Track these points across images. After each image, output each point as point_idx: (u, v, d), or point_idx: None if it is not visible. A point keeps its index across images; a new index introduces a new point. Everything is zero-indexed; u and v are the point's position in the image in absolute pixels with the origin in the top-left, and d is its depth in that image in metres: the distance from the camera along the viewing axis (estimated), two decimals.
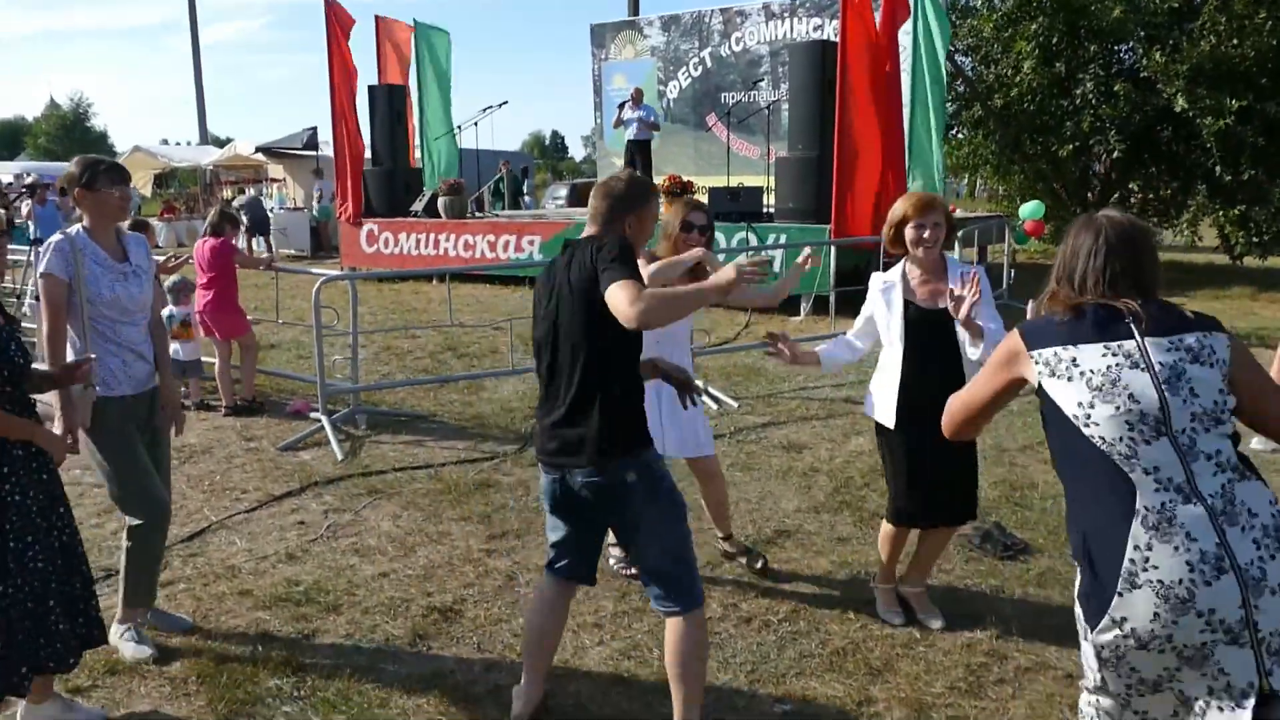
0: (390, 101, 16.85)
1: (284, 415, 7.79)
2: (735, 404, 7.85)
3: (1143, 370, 2.22)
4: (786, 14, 18.01)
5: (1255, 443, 6.28)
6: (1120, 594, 2.18)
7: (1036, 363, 2.34)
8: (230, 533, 5.35)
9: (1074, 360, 2.28)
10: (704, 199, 11.13)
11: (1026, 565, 4.77)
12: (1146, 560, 2.15)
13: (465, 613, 4.36)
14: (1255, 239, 15.31)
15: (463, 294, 14.18)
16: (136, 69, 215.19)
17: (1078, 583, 2.33)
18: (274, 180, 28.02)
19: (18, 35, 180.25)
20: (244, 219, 20.46)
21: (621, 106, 15.78)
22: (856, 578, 4.68)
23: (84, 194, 3.78)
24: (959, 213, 17.41)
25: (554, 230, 14.88)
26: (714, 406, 6.64)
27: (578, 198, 24.05)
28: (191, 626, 4.20)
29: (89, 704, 3.59)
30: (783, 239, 12.34)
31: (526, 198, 25.99)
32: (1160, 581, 2.13)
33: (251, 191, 24.27)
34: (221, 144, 36.49)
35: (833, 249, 11.49)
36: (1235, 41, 13.93)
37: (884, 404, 4.04)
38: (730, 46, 18.90)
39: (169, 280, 7.99)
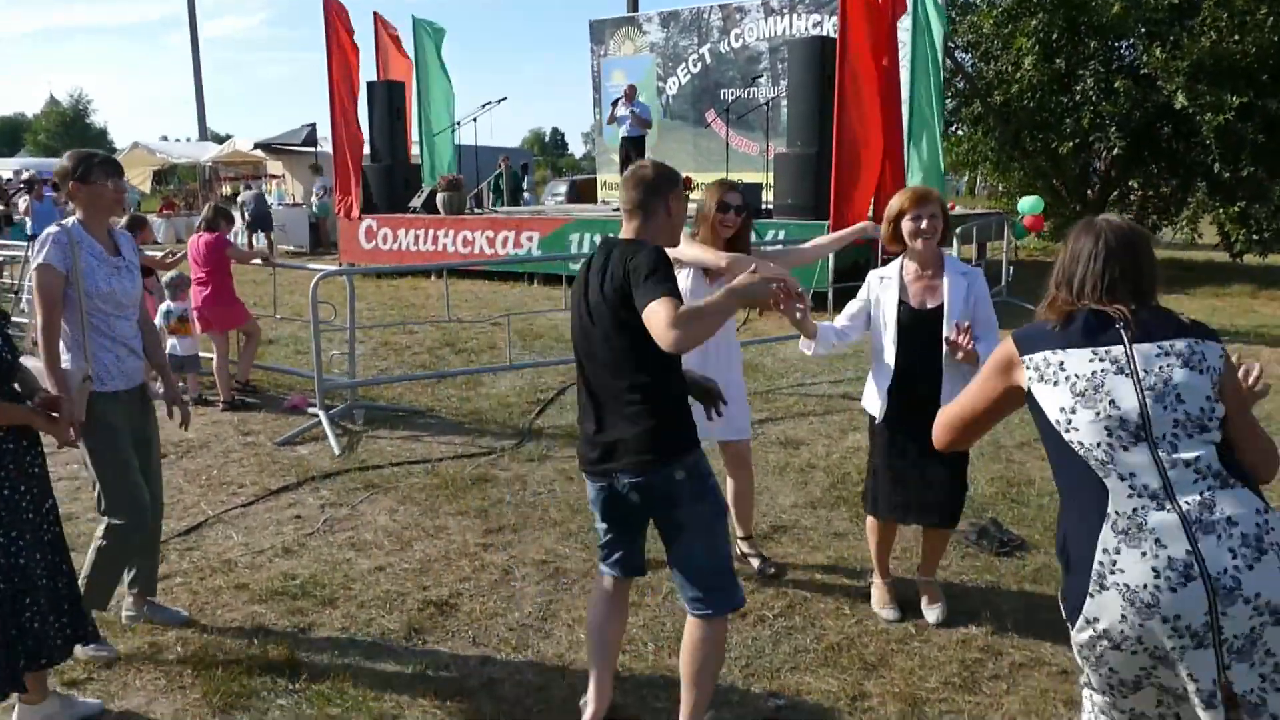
0: (389, 98, 16.85)
1: (281, 410, 7.79)
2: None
3: (1127, 376, 2.21)
4: (786, 10, 17.99)
5: None
6: (1091, 595, 2.20)
7: (1028, 368, 2.34)
8: (227, 527, 5.35)
9: (1061, 364, 2.28)
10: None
11: (1022, 561, 4.77)
12: (1114, 564, 2.17)
13: (461, 607, 4.36)
14: (1255, 236, 15.30)
15: (461, 290, 14.19)
16: (136, 66, 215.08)
17: (1060, 581, 2.34)
18: (273, 176, 28.00)
19: (18, 32, 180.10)
20: (246, 214, 20.50)
21: (615, 103, 15.77)
22: (852, 573, 4.68)
23: (78, 187, 3.75)
24: (958, 210, 17.42)
25: (552, 226, 14.88)
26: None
27: (577, 194, 24.05)
28: (187, 620, 4.20)
29: (85, 697, 3.59)
30: (781, 235, 12.34)
31: (527, 194, 25.98)
32: (1126, 585, 2.15)
33: (255, 187, 24.20)
34: (221, 140, 36.48)
35: None
36: (1236, 38, 13.90)
37: (874, 396, 4.11)
38: (729, 43, 18.88)
39: (167, 276, 8.00)
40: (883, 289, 4.06)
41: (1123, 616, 2.16)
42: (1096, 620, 2.20)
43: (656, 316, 2.74)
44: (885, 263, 4.22)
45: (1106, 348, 2.25)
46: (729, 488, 4.73)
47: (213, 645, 4.00)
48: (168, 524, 5.23)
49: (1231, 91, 13.80)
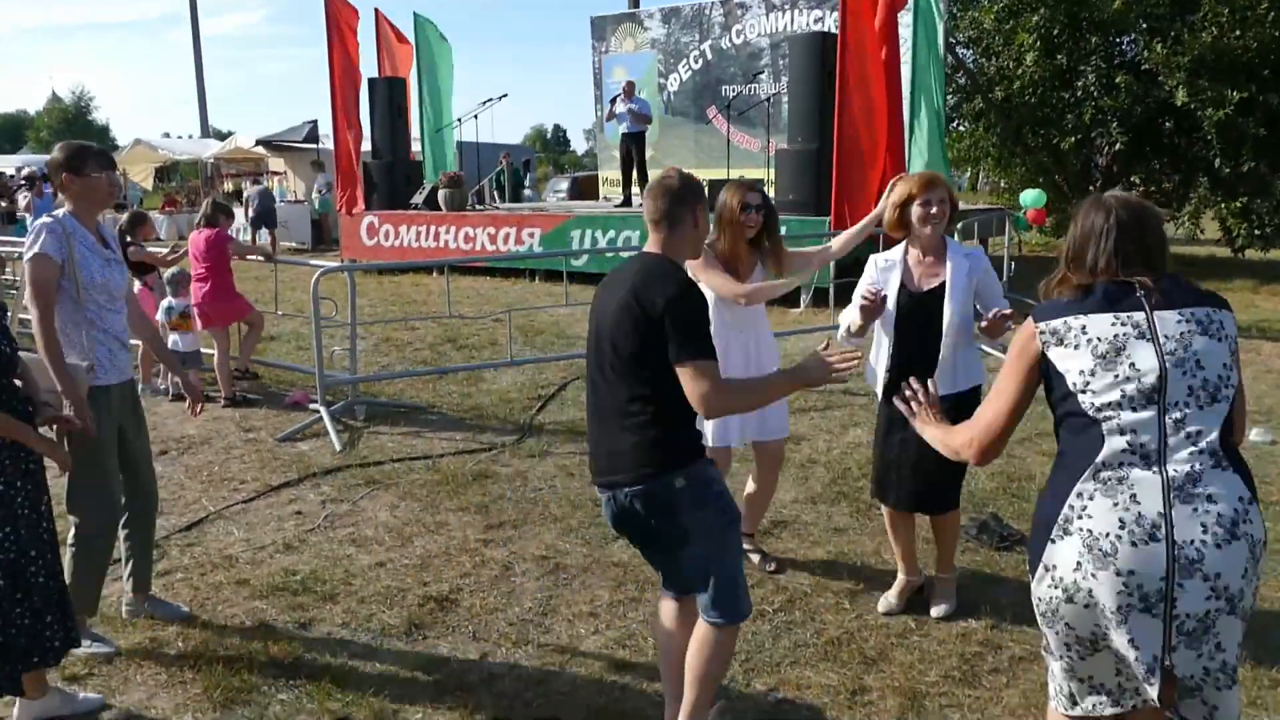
0: (390, 95, 16.84)
1: (283, 406, 7.79)
2: None
3: (1148, 341, 2.22)
4: (787, 6, 17.96)
5: (1254, 434, 6.29)
6: (1053, 540, 2.25)
7: (1042, 334, 2.33)
8: (228, 523, 5.36)
9: (1083, 328, 2.27)
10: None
11: (1022, 556, 4.76)
12: (1084, 509, 2.21)
13: (461, 602, 4.37)
14: (1257, 231, 15.29)
15: (462, 286, 14.20)
16: (138, 63, 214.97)
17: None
18: (274, 173, 28.00)
19: (20, 28, 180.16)
20: (251, 210, 20.50)
21: (614, 100, 15.74)
22: (852, 568, 4.69)
23: (71, 179, 3.70)
24: (959, 205, 17.40)
25: (554, 223, 14.88)
26: None
27: (579, 190, 24.06)
28: (188, 615, 4.21)
29: (86, 692, 3.60)
30: (783, 231, 12.29)
31: (528, 190, 25.96)
32: (1089, 531, 2.19)
33: (261, 183, 24.20)
34: (223, 137, 36.48)
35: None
36: (1237, 33, 13.88)
37: (875, 375, 4.15)
38: (731, 39, 18.84)
39: (168, 272, 8.01)
40: (885, 273, 4.05)
41: (1078, 564, 2.20)
42: (1054, 567, 2.25)
43: (697, 379, 2.79)
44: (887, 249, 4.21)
45: (1129, 313, 2.26)
46: (750, 486, 4.73)
47: (213, 640, 4.00)
48: (169, 520, 5.26)
49: (1232, 86, 13.78)
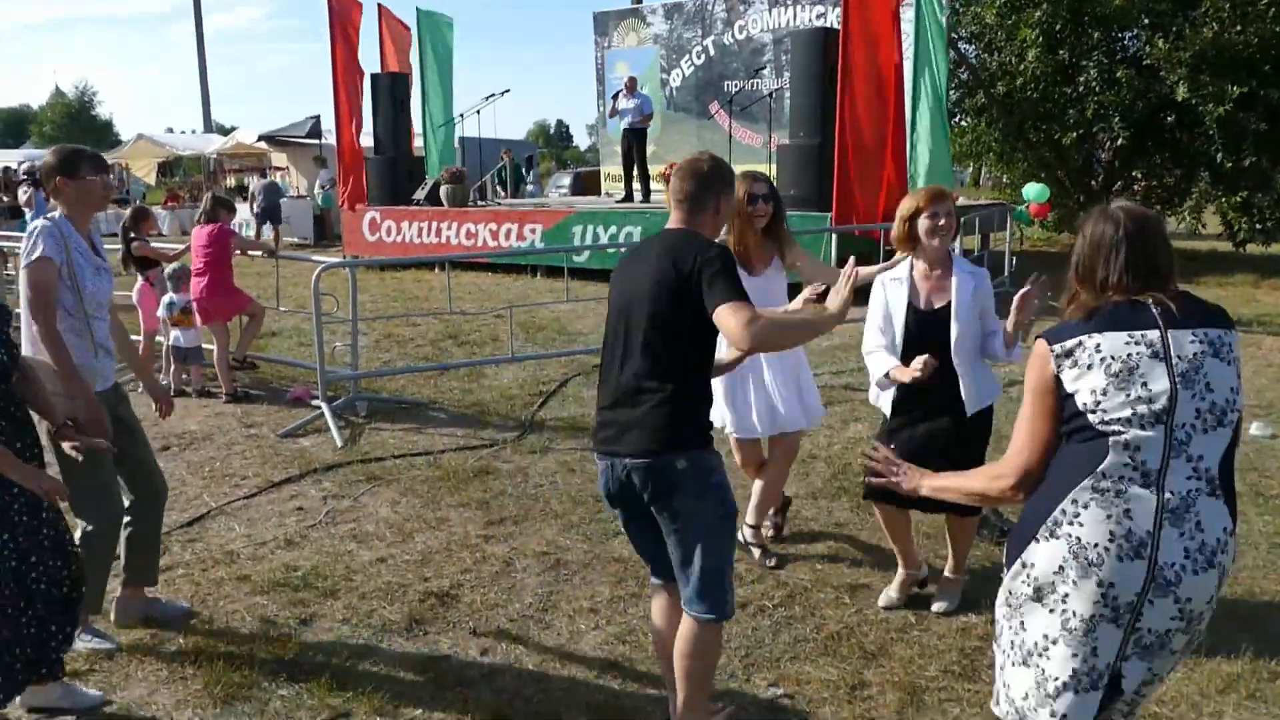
0: (393, 90, 16.83)
1: (284, 402, 7.80)
2: None
3: (1161, 360, 2.21)
4: (790, 1, 17.93)
5: (1254, 428, 6.29)
6: (1037, 539, 2.28)
7: (1055, 355, 2.29)
8: (229, 518, 5.37)
9: (1097, 347, 2.25)
10: None
11: None
12: (1076, 515, 2.23)
13: (462, 598, 4.38)
14: (1258, 226, 15.27)
15: (464, 282, 14.20)
16: (141, 58, 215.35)
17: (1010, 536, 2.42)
18: (277, 169, 28.02)
19: (23, 24, 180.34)
20: (256, 205, 20.49)
21: (615, 96, 15.72)
22: (852, 563, 4.69)
23: (66, 183, 3.65)
24: (962, 200, 17.38)
25: (555, 219, 14.87)
26: None
27: (581, 186, 24.06)
28: (189, 611, 4.22)
29: (88, 688, 3.61)
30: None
31: (531, 186, 25.94)
32: (1077, 539, 2.22)
33: (268, 178, 24.18)
34: (225, 133, 36.50)
35: (834, 236, 11.45)
36: (1238, 28, 13.85)
37: (880, 396, 4.14)
38: (733, 34, 18.82)
39: (169, 268, 8.01)
40: (892, 290, 4.05)
41: (1060, 569, 2.23)
42: (1032, 565, 2.28)
43: (731, 318, 2.78)
44: (889, 255, 4.22)
45: (1143, 332, 2.24)
46: (764, 476, 4.72)
47: (214, 636, 4.02)
48: (171, 515, 5.26)
49: (1233, 82, 13.76)
